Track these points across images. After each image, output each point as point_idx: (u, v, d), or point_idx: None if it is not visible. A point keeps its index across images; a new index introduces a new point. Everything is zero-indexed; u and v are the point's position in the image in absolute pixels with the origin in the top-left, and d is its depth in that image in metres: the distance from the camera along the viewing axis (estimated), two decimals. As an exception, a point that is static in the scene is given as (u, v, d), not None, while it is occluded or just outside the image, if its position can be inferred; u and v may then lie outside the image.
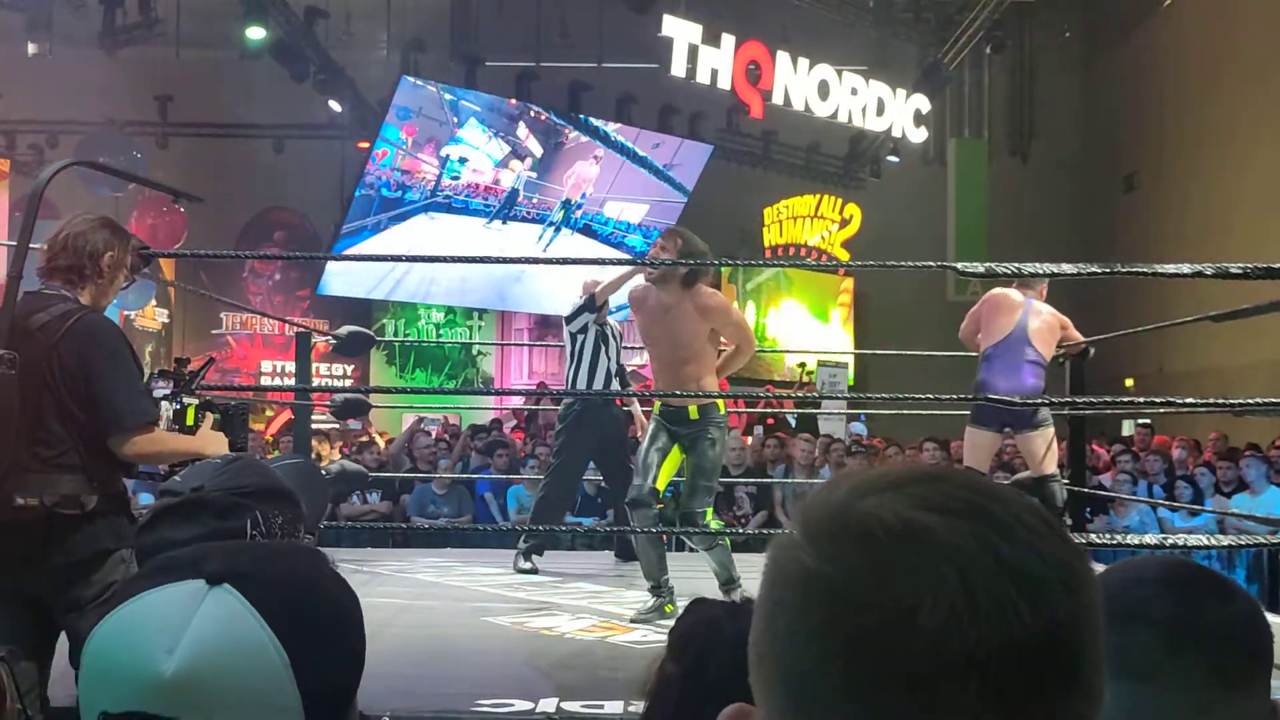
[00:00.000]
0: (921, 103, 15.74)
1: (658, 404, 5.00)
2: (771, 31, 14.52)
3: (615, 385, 6.55)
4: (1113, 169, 16.76)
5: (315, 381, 12.27)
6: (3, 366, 2.80)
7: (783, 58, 14.39)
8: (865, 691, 0.56)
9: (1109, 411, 9.01)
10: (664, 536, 5.00)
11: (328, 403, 6.34)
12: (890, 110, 15.45)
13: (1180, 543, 5.49)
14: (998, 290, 6.05)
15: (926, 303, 14.53)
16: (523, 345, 16.12)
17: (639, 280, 5.14)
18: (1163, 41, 15.38)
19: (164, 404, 3.01)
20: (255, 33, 12.19)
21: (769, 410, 10.97)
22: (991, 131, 16.75)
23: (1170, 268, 4.30)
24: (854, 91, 15.07)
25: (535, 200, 14.66)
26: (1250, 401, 4.37)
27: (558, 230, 14.92)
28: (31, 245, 3.20)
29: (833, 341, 16.20)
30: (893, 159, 16.19)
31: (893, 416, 11.61)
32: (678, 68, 13.50)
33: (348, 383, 14.81)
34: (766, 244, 16.14)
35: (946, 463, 7.98)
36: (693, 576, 5.01)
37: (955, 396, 5.70)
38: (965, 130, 16.53)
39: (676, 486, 4.99)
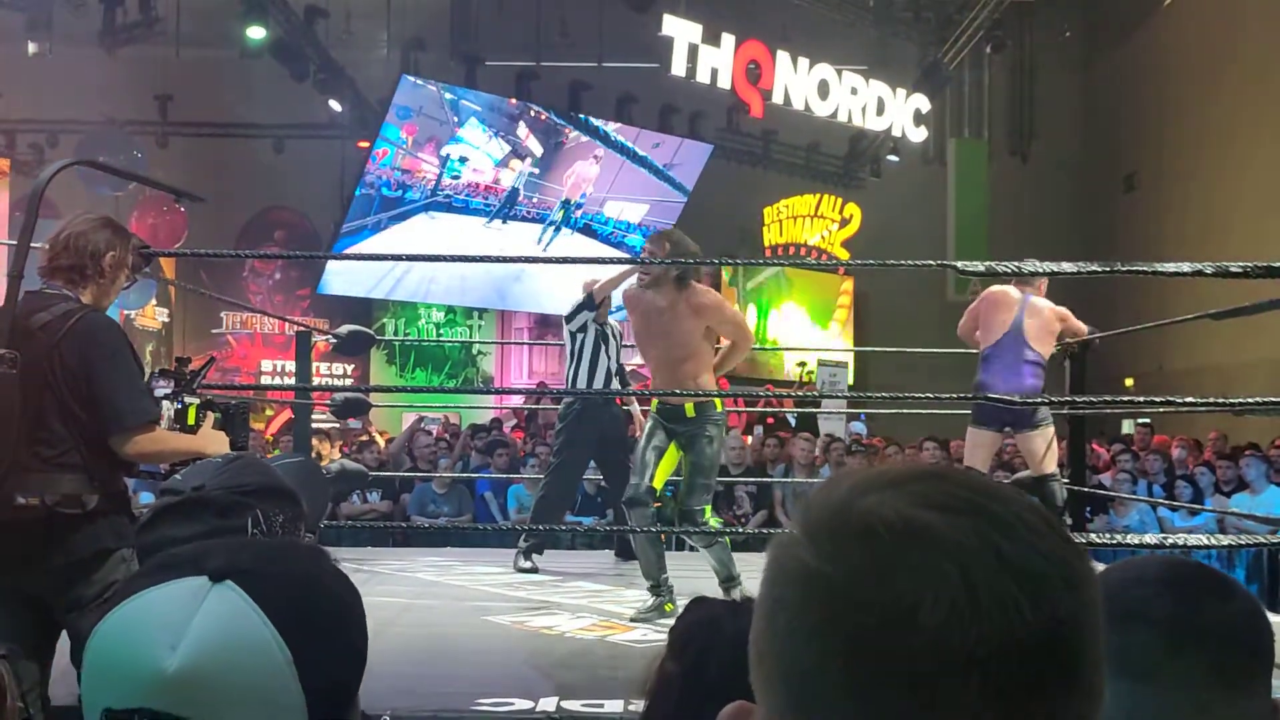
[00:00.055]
0: (921, 102, 15.73)
1: (655, 402, 5.00)
2: (771, 31, 14.52)
3: (615, 384, 6.55)
4: (1113, 169, 16.76)
5: (315, 381, 12.27)
6: (4, 366, 2.81)
7: (783, 57, 14.39)
8: (866, 689, 0.56)
9: (1109, 411, 9.00)
10: (663, 535, 5.00)
11: (328, 402, 6.35)
12: (890, 110, 15.45)
13: (1180, 542, 5.49)
14: (995, 287, 6.06)
15: (926, 303, 14.53)
16: (523, 344, 16.13)
17: (633, 281, 5.15)
18: (1163, 41, 15.38)
19: (165, 403, 3.01)
20: (255, 32, 12.19)
21: (769, 410, 10.97)
22: (991, 131, 16.74)
23: (1170, 266, 4.30)
24: (854, 91, 15.07)
25: (535, 200, 14.66)
26: (1250, 401, 4.37)
27: (558, 230, 14.92)
28: (32, 245, 3.20)
29: (833, 345, 16.20)
30: (893, 159, 16.19)
31: (892, 416, 11.61)
32: (678, 67, 13.50)
33: (348, 382, 14.81)
34: (766, 243, 16.13)
35: (946, 462, 7.98)
36: (693, 575, 5.01)
37: (955, 396, 5.70)
38: (965, 130, 16.52)
39: (676, 485, 4.99)
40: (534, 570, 6.16)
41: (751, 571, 4.19)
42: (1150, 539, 5.21)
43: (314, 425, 7.60)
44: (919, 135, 15.84)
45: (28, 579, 2.84)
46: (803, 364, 13.74)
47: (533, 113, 14.10)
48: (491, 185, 14.27)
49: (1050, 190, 16.82)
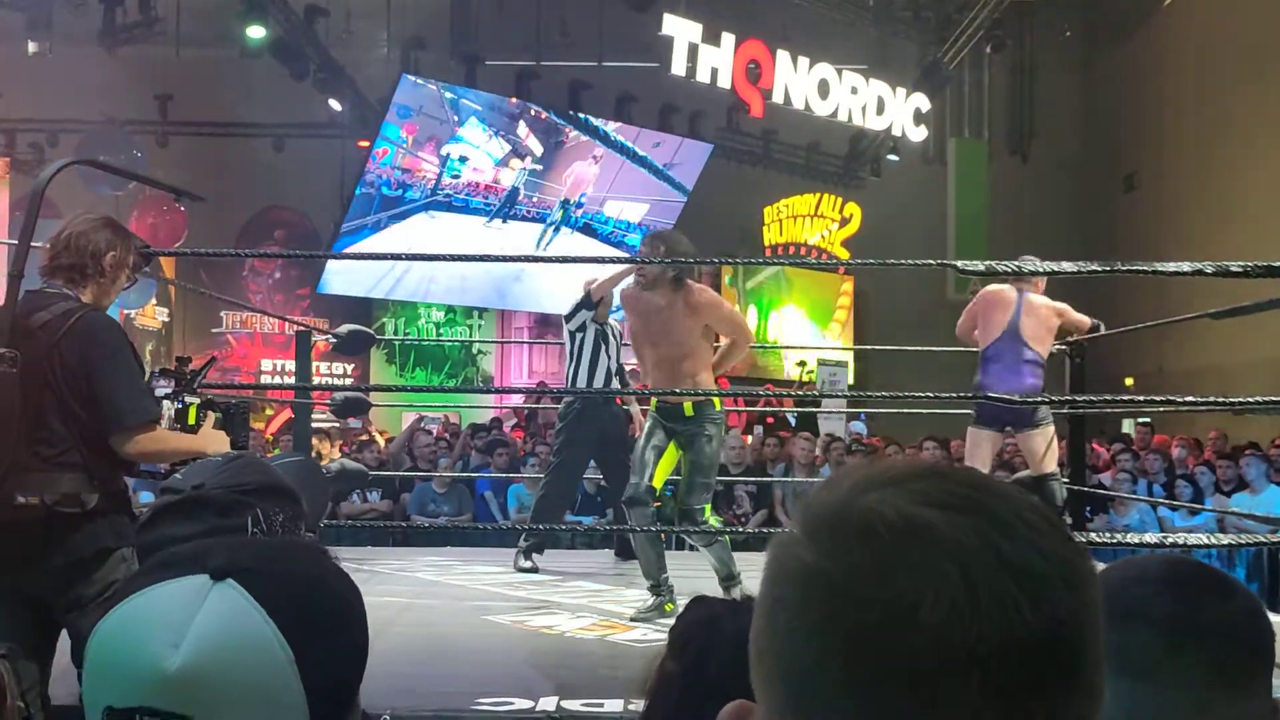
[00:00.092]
0: (921, 102, 15.74)
1: (654, 402, 5.00)
2: (771, 30, 14.52)
3: (615, 384, 6.55)
4: (1113, 169, 16.77)
5: (315, 380, 12.26)
6: (4, 365, 2.81)
7: (783, 57, 14.39)
8: (866, 688, 0.56)
9: (1109, 410, 9.01)
10: (663, 535, 5.00)
11: (328, 401, 6.34)
12: (890, 109, 15.45)
13: (1180, 541, 5.49)
14: (991, 287, 6.06)
15: (926, 302, 14.53)
16: (523, 344, 16.14)
17: (631, 281, 5.15)
18: (1163, 41, 15.38)
19: (165, 403, 3.01)
20: (255, 31, 12.19)
21: (769, 409, 10.97)
22: (991, 131, 16.74)
23: (1170, 266, 4.30)
24: (854, 90, 15.07)
25: (535, 199, 14.66)
26: (1250, 400, 4.37)
27: (557, 229, 14.92)
28: (33, 244, 3.20)
29: (833, 345, 16.20)
30: (893, 158, 16.19)
31: (893, 415, 11.62)
32: (678, 67, 13.51)
33: (348, 381, 14.81)
34: (766, 243, 16.13)
35: (946, 461, 7.97)
36: (693, 575, 5.00)
37: (955, 396, 5.70)
38: (965, 130, 16.52)
39: (676, 484, 4.99)
40: (534, 570, 6.15)
41: (751, 571, 4.19)
42: (1150, 538, 5.20)
43: (314, 425, 7.60)
44: (919, 135, 15.84)
45: (28, 578, 2.84)
46: (803, 364, 13.74)
47: (533, 112, 14.10)
48: (491, 185, 14.27)
49: (1050, 190, 16.83)
